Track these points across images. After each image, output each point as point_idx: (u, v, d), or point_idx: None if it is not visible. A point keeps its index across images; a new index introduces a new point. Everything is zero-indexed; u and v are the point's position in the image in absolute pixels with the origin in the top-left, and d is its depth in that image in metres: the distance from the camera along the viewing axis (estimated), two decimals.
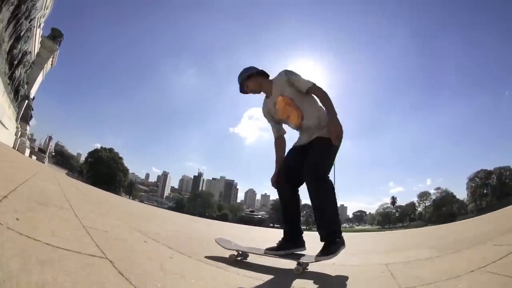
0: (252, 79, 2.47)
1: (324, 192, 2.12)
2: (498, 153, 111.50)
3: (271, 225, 71.91)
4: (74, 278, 1.00)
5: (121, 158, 54.72)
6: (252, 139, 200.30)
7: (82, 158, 66.70)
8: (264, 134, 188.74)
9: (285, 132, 2.58)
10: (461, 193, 68.56)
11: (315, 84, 2.27)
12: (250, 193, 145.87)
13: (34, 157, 23.66)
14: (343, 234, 2.15)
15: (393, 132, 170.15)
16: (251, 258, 2.40)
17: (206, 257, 2.20)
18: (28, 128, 22.87)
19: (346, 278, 1.91)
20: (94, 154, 52.37)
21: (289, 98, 2.31)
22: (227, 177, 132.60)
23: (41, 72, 22.69)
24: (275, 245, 2.32)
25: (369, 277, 2.10)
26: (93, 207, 3.74)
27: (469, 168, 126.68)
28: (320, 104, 2.29)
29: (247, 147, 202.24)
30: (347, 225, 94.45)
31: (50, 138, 49.93)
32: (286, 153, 2.51)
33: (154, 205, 46.05)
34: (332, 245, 2.03)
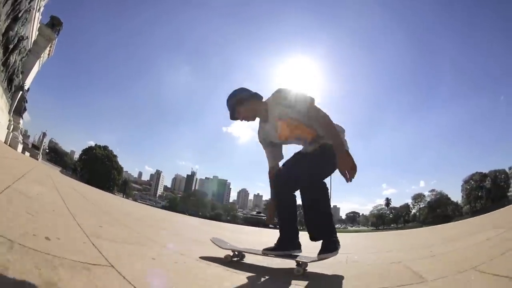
0: (244, 105, 2.27)
1: (317, 194, 2.12)
2: (492, 156, 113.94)
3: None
4: None
5: (115, 156, 53.46)
6: (245, 139, 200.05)
7: (76, 156, 65.32)
8: (257, 135, 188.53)
9: (282, 159, 2.45)
10: (455, 195, 69.65)
11: (312, 100, 2.08)
12: (243, 193, 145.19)
13: (27, 154, 22.31)
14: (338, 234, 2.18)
15: (388, 133, 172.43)
16: (248, 260, 2.39)
17: (200, 257, 2.19)
18: (21, 121, 21.48)
19: (342, 277, 1.90)
20: (88, 152, 51.02)
21: (296, 119, 2.15)
22: (220, 177, 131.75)
23: (37, 62, 21.37)
24: (273, 245, 2.29)
25: (385, 270, 2.22)
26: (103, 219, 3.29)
27: (463, 171, 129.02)
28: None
29: (239, 146, 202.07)
30: (340, 226, 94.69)
31: (44, 134, 47.95)
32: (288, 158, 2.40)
33: (148, 204, 45.01)
34: (331, 243, 2.04)
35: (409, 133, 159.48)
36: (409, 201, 72.08)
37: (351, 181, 1.94)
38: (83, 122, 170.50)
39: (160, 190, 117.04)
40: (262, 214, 75.80)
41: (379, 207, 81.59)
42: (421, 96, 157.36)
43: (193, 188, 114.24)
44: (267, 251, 2.26)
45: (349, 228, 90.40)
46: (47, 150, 50.94)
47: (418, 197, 68.59)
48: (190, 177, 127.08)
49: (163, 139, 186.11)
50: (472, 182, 52.51)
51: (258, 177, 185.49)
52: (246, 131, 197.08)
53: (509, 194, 46.53)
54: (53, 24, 21.69)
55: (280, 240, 2.28)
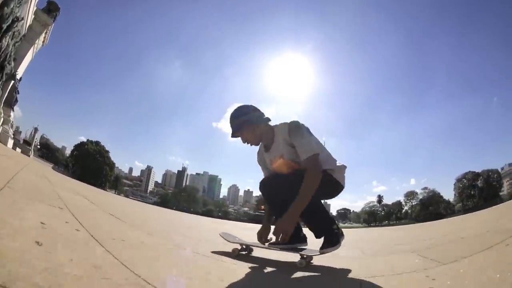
0: (251, 129, 2.14)
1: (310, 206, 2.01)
2: (485, 157, 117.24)
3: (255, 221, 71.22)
4: None
5: (107, 152, 51.56)
6: None
7: (67, 151, 63.51)
8: (256, 154, 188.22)
9: None
10: (446, 194, 71.00)
11: (315, 155, 1.94)
12: (233, 189, 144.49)
13: (18, 150, 20.63)
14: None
15: (380, 131, 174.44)
16: (255, 253, 2.43)
17: (212, 252, 2.22)
18: (12, 114, 19.72)
19: (349, 271, 1.89)
20: (80, 147, 48.92)
21: (289, 160, 2.08)
22: (210, 173, 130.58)
23: (31, 49, 19.59)
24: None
25: (400, 260, 2.35)
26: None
27: (454, 170, 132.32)
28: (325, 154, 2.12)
29: (230, 142, 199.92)
30: None
31: (35, 129, 45.62)
32: None
33: (140, 201, 44.05)
34: (333, 236, 2.04)
35: (401, 132, 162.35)
36: (400, 198, 73.29)
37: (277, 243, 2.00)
38: (73, 117, 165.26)
39: (151, 186, 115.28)
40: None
41: (371, 204, 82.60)
42: (414, 96, 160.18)
43: (184, 184, 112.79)
44: (272, 245, 2.23)
45: (341, 224, 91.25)
46: (39, 146, 48.45)
47: (410, 195, 69.68)
48: (181, 173, 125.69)
49: (153, 134, 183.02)
50: (465, 181, 53.52)
51: (248, 173, 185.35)
52: None
53: (501, 193, 47.73)
54: (49, 9, 20.02)
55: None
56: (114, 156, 55.99)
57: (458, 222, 7.50)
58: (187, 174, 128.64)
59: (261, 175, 2.44)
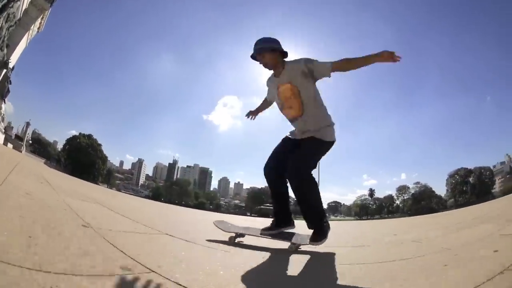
0: (273, 54, 2.40)
1: (307, 188, 2.32)
2: (476, 155, 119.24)
3: (248, 214, 71.27)
4: None
5: (99, 145, 49.47)
6: (225, 126, 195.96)
7: (58, 146, 61.46)
8: (238, 122, 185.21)
9: (272, 103, 2.80)
10: (437, 189, 72.44)
11: (333, 63, 2.23)
12: (224, 182, 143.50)
13: (10, 146, 18.95)
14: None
15: (370, 126, 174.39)
16: (248, 241, 2.68)
17: (207, 240, 2.53)
18: (3, 106, 17.93)
19: (334, 254, 2.32)
20: (72, 141, 46.53)
21: (297, 89, 2.32)
22: (201, 165, 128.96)
23: (26, 36, 17.72)
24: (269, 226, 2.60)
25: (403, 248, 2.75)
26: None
27: (445, 166, 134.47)
28: (323, 105, 2.43)
29: (220, 134, 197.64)
30: None
31: (27, 124, 42.88)
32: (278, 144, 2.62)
33: (132, 194, 42.96)
34: (320, 231, 2.30)
35: (392, 128, 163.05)
36: (391, 192, 74.49)
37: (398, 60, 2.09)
38: (63, 111, 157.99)
39: (142, 179, 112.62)
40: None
41: (363, 197, 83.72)
42: (406, 94, 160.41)
43: (175, 176, 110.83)
44: (264, 231, 2.58)
45: (333, 217, 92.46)
46: (31, 141, 45.85)
47: (402, 189, 70.80)
48: (172, 166, 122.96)
49: (143, 127, 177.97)
50: (457, 177, 54.70)
51: (238, 165, 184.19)
52: (227, 120, 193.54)
53: (493, 190, 49.08)
54: None
55: (273, 220, 2.58)
56: (105, 150, 54.76)
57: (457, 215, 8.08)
58: (178, 167, 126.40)
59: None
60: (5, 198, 2.10)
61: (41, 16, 17.93)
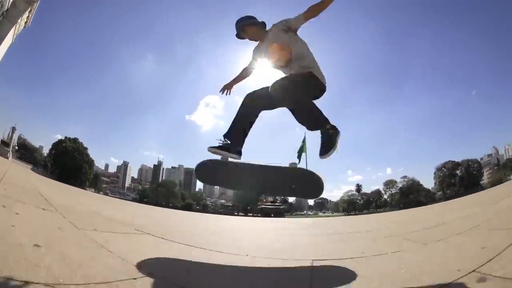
0: (253, 28, 2.65)
1: (303, 103, 2.37)
2: (462, 148, 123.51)
3: (235, 213, 70.84)
4: None
5: (86, 149, 46.31)
6: (208, 126, 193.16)
7: (44, 151, 57.61)
8: (221, 122, 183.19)
9: (251, 72, 2.91)
10: (424, 183, 74.90)
11: (304, 12, 2.46)
12: None
13: None
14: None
15: (354, 121, 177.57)
16: None
17: None
18: None
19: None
20: (58, 146, 43.23)
21: (284, 43, 2.49)
22: (186, 166, 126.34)
23: (12, 30, 15.64)
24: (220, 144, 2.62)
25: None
26: None
27: (431, 160, 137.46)
28: (311, 50, 2.59)
29: (203, 135, 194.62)
30: (310, 213, 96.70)
31: (13, 129, 39.21)
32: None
33: (118, 198, 40.86)
34: (328, 138, 2.31)
35: (376, 122, 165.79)
36: (376, 187, 76.36)
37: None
38: (47, 115, 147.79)
39: (127, 182, 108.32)
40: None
41: (350, 193, 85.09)
42: (390, 88, 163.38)
43: (160, 178, 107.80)
44: (211, 148, 2.62)
45: (320, 213, 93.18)
46: (17, 147, 41.90)
47: (389, 183, 72.57)
48: (157, 167, 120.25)
49: (126, 129, 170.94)
50: (445, 170, 56.59)
51: None
52: (210, 119, 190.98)
53: (482, 182, 51.27)
54: None
55: (225, 140, 2.61)
56: (90, 153, 51.98)
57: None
58: (163, 168, 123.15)
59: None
60: None
61: (29, 10, 15.86)
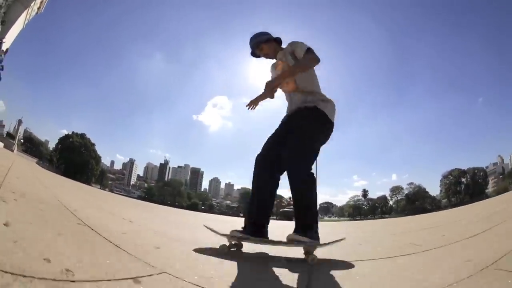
0: (268, 44, 2.55)
1: (308, 190, 2.13)
2: (468, 156, 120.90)
3: (241, 215, 70.81)
4: None
5: (93, 145, 47.36)
6: (215, 127, 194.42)
7: (49, 145, 58.70)
8: (228, 123, 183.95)
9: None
10: (429, 190, 73.74)
11: (309, 48, 2.31)
12: (214, 182, 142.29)
13: (1, 144, 17.44)
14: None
15: (360, 126, 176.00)
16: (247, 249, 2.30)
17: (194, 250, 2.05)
18: None
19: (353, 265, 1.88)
20: (65, 141, 44.22)
21: (288, 64, 2.40)
22: (192, 165, 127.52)
23: (24, 14, 15.92)
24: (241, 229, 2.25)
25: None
26: None
27: (437, 167, 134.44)
28: (317, 82, 2.42)
29: (210, 135, 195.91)
30: None
31: (20, 122, 40.09)
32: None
33: (124, 195, 41.68)
34: (309, 229, 2.03)
35: (382, 128, 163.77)
36: (382, 193, 75.37)
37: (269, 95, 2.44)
38: (54, 110, 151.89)
39: (133, 180, 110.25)
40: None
41: (356, 198, 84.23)
42: (396, 93, 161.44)
43: (166, 177, 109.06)
44: (234, 232, 2.21)
45: (326, 218, 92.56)
46: (22, 140, 43.08)
47: (396, 189, 71.65)
48: (163, 166, 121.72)
49: (133, 127, 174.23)
50: (451, 177, 55.61)
51: (229, 166, 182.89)
52: (217, 120, 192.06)
53: (487, 191, 50.08)
54: None
55: (246, 224, 2.26)
56: (97, 149, 52.80)
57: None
58: (169, 167, 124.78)
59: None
60: None
61: None
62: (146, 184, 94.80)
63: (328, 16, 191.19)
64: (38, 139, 53.42)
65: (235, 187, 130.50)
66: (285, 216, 44.88)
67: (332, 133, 2.34)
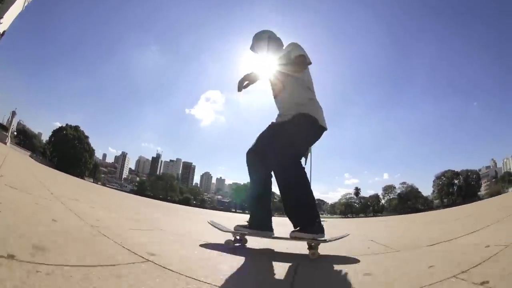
0: (270, 43, 2.57)
1: (289, 177, 2.12)
2: (460, 158, 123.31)
3: (233, 210, 71.05)
4: None
5: (87, 137, 45.68)
6: (207, 121, 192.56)
7: (42, 138, 56.96)
8: (220, 118, 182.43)
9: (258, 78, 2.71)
10: (421, 190, 75.36)
11: (302, 55, 2.28)
12: (206, 177, 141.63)
13: None
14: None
15: (354, 124, 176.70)
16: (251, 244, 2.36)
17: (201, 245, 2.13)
18: None
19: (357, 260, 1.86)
20: (59, 133, 42.35)
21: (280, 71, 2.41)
22: (184, 159, 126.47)
23: None
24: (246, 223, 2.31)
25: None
26: None
27: (429, 167, 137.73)
28: (304, 87, 2.36)
29: (202, 129, 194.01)
30: None
31: (14, 113, 38.08)
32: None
33: (116, 189, 40.74)
34: (313, 226, 2.01)
35: (375, 127, 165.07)
36: (373, 192, 76.56)
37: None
38: (46, 101, 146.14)
39: (125, 173, 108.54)
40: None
41: (348, 196, 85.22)
42: (393, 92, 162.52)
43: (158, 171, 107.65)
44: (239, 227, 2.29)
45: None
46: (16, 133, 40.98)
47: (388, 188, 72.73)
48: (156, 160, 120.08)
49: (126, 120, 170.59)
50: (444, 179, 56.73)
51: (220, 160, 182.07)
52: (209, 114, 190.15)
53: (479, 193, 51.37)
54: None
55: (252, 218, 2.30)
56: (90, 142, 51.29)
57: None
58: (161, 161, 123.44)
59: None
60: None
61: None
62: (138, 178, 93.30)
63: (328, 7, 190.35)
64: (32, 131, 51.34)
65: (226, 182, 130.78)
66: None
67: (321, 133, 2.33)
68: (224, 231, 2.41)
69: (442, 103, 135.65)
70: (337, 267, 1.68)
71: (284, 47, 2.52)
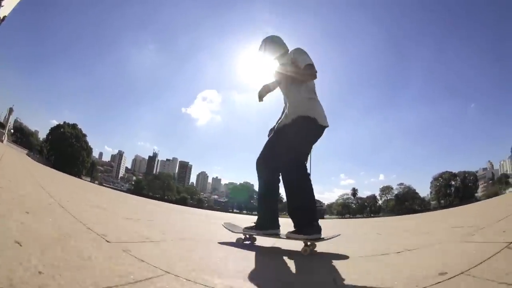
0: (277, 48, 2.71)
1: (292, 176, 2.26)
2: (456, 160, 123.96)
3: (230, 210, 70.95)
4: None
5: (85, 136, 44.94)
6: (204, 121, 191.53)
7: (40, 136, 56.16)
8: (216, 117, 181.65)
9: (274, 87, 2.75)
10: (418, 191, 75.81)
11: (310, 64, 2.35)
12: (202, 176, 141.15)
13: None
14: None
15: (350, 125, 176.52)
16: (259, 242, 2.56)
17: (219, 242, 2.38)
18: None
19: (347, 257, 2.00)
20: (56, 131, 41.61)
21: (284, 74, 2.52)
22: (180, 159, 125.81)
23: None
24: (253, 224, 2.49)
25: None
26: None
27: (425, 168, 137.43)
28: (306, 93, 2.42)
29: (198, 128, 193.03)
30: None
31: (11, 110, 37.34)
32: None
33: (113, 188, 40.23)
34: (309, 227, 2.14)
35: (372, 128, 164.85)
36: (369, 192, 76.91)
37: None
38: (43, 98, 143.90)
39: (121, 172, 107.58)
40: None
41: (345, 197, 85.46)
42: (390, 93, 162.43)
43: (155, 170, 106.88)
44: (247, 229, 2.48)
45: None
46: (12, 131, 40.10)
47: (386, 189, 73.04)
48: (152, 159, 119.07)
49: (122, 118, 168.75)
50: (441, 180, 57.10)
51: (216, 160, 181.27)
52: (206, 114, 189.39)
53: (477, 195, 51.78)
54: None
55: (258, 219, 2.48)
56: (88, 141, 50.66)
57: None
58: (158, 160, 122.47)
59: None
60: None
61: None
62: (134, 177, 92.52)
63: (328, 10, 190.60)
64: (29, 129, 50.30)
65: (222, 182, 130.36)
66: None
67: (322, 131, 2.42)
68: (236, 232, 2.64)
69: (439, 105, 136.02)
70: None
71: (289, 52, 2.60)
